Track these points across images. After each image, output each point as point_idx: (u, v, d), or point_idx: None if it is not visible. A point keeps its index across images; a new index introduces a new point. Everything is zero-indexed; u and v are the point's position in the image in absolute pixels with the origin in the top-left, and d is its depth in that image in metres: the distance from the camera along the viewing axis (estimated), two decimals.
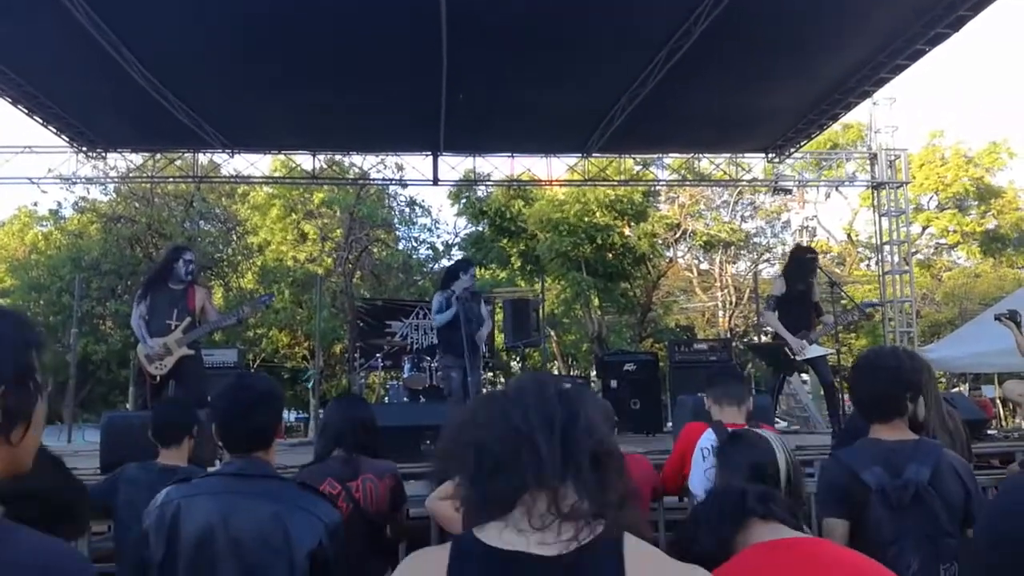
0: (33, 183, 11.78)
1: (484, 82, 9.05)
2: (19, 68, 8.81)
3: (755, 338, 18.99)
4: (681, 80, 8.75)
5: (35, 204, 25.53)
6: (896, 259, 12.31)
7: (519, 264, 22.82)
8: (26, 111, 9.85)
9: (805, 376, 13.82)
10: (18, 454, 1.06)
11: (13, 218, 26.86)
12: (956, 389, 18.76)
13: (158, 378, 6.55)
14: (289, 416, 33.37)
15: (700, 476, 3.35)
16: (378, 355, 11.93)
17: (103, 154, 11.93)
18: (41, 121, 10.26)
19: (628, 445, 6.77)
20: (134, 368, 12.73)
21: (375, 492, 3.09)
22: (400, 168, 15.58)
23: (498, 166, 13.46)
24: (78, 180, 12.87)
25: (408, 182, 15.17)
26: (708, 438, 3.45)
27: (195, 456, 3.45)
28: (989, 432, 7.26)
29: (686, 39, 7.92)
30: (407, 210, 24.93)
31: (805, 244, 20.01)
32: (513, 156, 12.68)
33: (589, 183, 14.42)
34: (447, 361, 7.40)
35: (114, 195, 22.14)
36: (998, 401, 18.26)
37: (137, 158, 12.78)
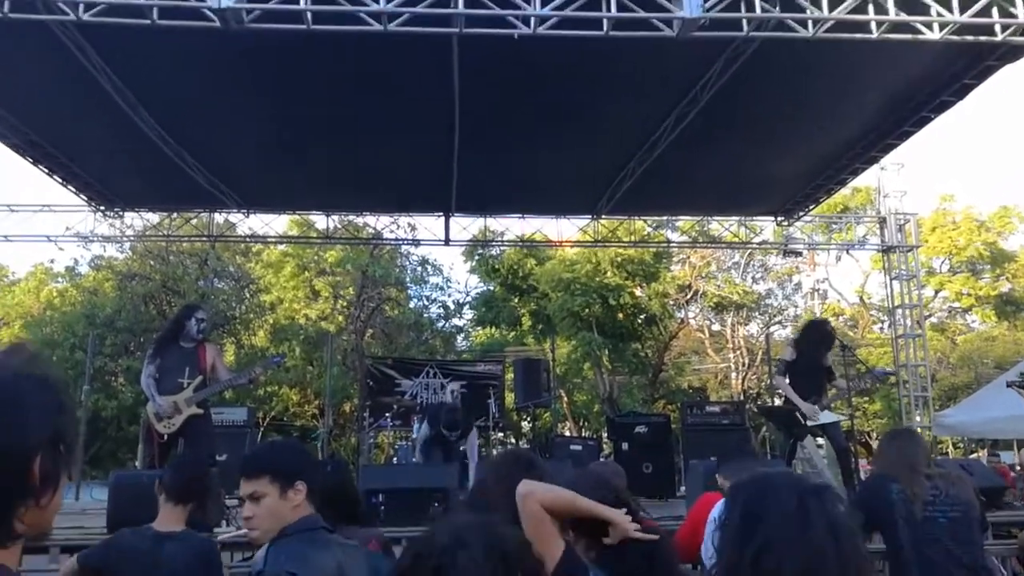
0: (51, 241, 11.95)
1: (496, 144, 9.19)
2: (40, 128, 9.01)
3: (768, 400, 18.80)
4: (689, 145, 8.86)
5: (52, 261, 25.83)
6: (909, 322, 12.24)
7: (529, 324, 22.82)
8: (46, 171, 10.05)
9: (821, 440, 13.63)
10: (45, 516, 1.06)
11: (29, 275, 27.17)
12: (974, 455, 18.43)
13: (166, 437, 6.55)
14: None
15: (711, 547, 3.30)
16: (387, 414, 11.88)
17: (120, 213, 12.12)
18: (61, 180, 10.46)
19: None
20: (143, 426, 12.72)
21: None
22: (412, 228, 15.74)
23: (509, 226, 13.60)
24: (95, 238, 13.06)
25: (420, 242, 15.31)
26: (721, 508, 3.41)
27: (203, 517, 3.43)
28: (1007, 500, 7.09)
29: (694, 105, 8.06)
30: (419, 269, 25.11)
31: (819, 313, 20.02)
32: (524, 217, 12.81)
33: (600, 244, 14.51)
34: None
35: (130, 253, 22.42)
36: (1017, 467, 17.88)
37: (154, 217, 12.98)
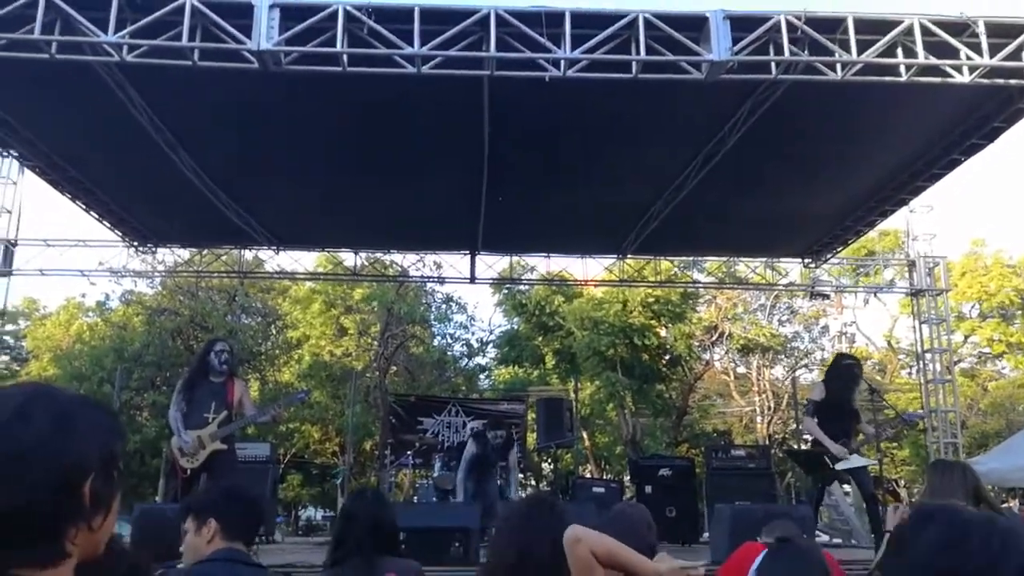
0: (84, 275, 12.15)
1: (523, 185, 9.28)
2: (79, 164, 9.22)
3: (794, 445, 18.52)
4: (716, 186, 8.89)
5: (83, 296, 26.24)
6: (938, 367, 12.05)
7: (553, 363, 22.74)
8: (83, 207, 10.27)
9: (847, 487, 13.37)
10: (96, 540, 1.08)
11: (60, 309, 27.59)
12: (1006, 505, 17.96)
13: (189, 472, 6.58)
14: (316, 514, 32.97)
15: None
16: (409, 452, 11.85)
17: (153, 249, 12.33)
18: (97, 217, 10.68)
19: None
20: (166, 460, 12.77)
21: None
22: (438, 266, 15.85)
23: (535, 265, 13.65)
24: (127, 273, 13.26)
25: (446, 280, 15.40)
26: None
27: None
28: None
29: (721, 146, 8.10)
30: (443, 307, 25.19)
31: (847, 352, 19.79)
32: (549, 256, 12.86)
33: (625, 284, 14.50)
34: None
35: (160, 288, 22.73)
36: None
37: (184, 253, 13.19)
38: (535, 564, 2.33)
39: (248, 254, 13.51)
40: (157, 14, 5.29)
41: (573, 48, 5.51)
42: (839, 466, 6.93)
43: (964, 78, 5.72)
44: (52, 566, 1.03)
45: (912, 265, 12.40)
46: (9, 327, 27.74)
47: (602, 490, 10.20)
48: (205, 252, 13.15)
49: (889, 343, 26.88)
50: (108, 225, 11.09)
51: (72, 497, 1.03)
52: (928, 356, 12.15)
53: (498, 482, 8.98)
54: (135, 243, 11.89)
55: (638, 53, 5.54)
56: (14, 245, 10.58)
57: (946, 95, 6.82)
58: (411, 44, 5.43)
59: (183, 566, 2.79)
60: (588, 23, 5.59)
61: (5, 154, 9.40)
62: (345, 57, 5.54)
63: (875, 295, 23.15)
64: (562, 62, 5.60)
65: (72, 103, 7.49)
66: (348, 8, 5.42)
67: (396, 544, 3.21)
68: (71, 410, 1.07)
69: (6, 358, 28.29)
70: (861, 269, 15.95)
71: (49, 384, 1.16)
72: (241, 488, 3.19)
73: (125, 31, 5.32)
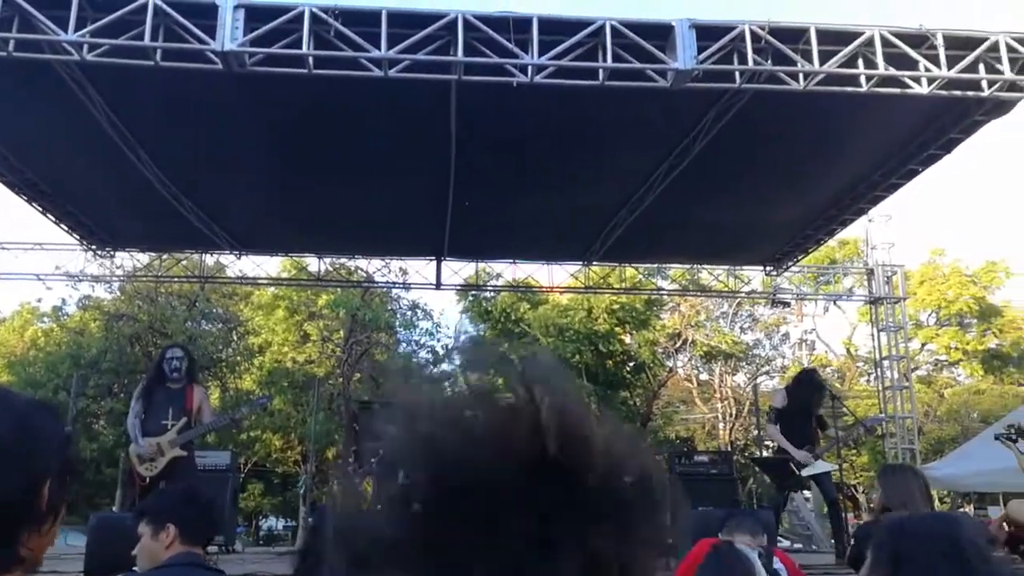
0: (40, 280, 11.88)
1: (489, 191, 9.27)
2: (36, 166, 9.01)
3: (756, 451, 18.73)
4: (680, 194, 8.96)
5: (39, 301, 25.64)
6: (896, 375, 12.27)
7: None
8: (40, 209, 10.02)
9: (808, 493, 13.55)
10: (43, 545, 1.07)
11: (15, 314, 26.94)
12: (961, 509, 18.33)
13: (148, 480, 6.44)
14: (277, 524, 32.53)
15: None
16: (373, 460, 11.74)
17: (112, 253, 12.08)
18: (54, 219, 10.43)
19: None
20: (123, 469, 12.51)
21: None
22: (404, 272, 15.76)
23: (501, 271, 13.64)
24: (85, 278, 13.00)
25: (412, 286, 15.31)
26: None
27: None
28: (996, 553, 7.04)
29: (686, 154, 8.17)
30: (409, 314, 25.06)
31: (808, 363, 20.10)
32: (515, 263, 12.86)
33: (591, 290, 14.56)
34: None
35: (118, 293, 22.30)
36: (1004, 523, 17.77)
37: (144, 257, 12.94)
38: None
39: (209, 259, 13.29)
40: (119, 13, 5.20)
41: (541, 54, 5.53)
42: (805, 472, 7.02)
43: (923, 89, 5.85)
44: (5, 571, 1.02)
45: (871, 273, 12.63)
46: None
47: None
48: (165, 256, 12.91)
49: (848, 350, 27.34)
50: (66, 228, 10.84)
51: (30, 502, 1.03)
52: (886, 363, 12.38)
53: None
54: (93, 247, 11.64)
55: (605, 60, 5.58)
56: None
57: (905, 106, 6.96)
58: (378, 47, 5.40)
59: (138, 570, 2.74)
60: (556, 29, 5.62)
61: None
62: (311, 59, 5.50)
63: (835, 303, 23.59)
64: (529, 68, 5.62)
65: (30, 103, 7.31)
66: (314, 10, 5.38)
67: None
68: (30, 414, 1.07)
69: None
70: (821, 277, 16.19)
71: (3, 387, 1.16)
72: (197, 491, 3.17)
73: (86, 30, 5.22)
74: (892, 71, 5.73)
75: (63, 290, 22.43)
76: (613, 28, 5.59)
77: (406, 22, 5.49)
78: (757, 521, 3.91)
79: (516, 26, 5.55)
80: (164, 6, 5.22)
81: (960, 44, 5.80)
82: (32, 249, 11.47)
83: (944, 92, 5.94)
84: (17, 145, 8.45)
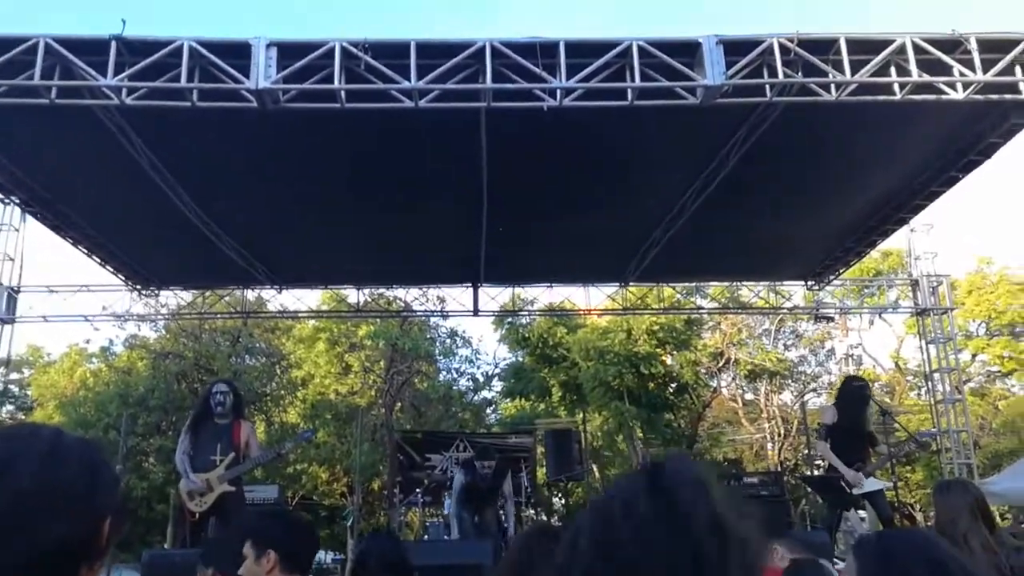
0: (87, 321, 12.15)
1: (522, 216, 9.30)
2: (80, 209, 9.27)
3: (807, 471, 18.32)
4: (716, 210, 8.89)
5: (87, 342, 26.21)
6: (947, 387, 11.95)
7: (560, 395, 22.62)
8: (86, 251, 10.30)
9: (863, 513, 13.20)
10: None
11: (64, 356, 27.56)
12: (1023, 524, 17.69)
13: (197, 515, 6.50)
14: (326, 557, 32.55)
15: None
16: (418, 490, 11.74)
17: (156, 292, 12.35)
18: (99, 261, 10.70)
19: None
20: (174, 506, 12.67)
21: None
22: (441, 300, 15.85)
23: (537, 296, 13.65)
24: (131, 318, 13.27)
25: (449, 313, 15.37)
26: None
27: None
28: None
29: (720, 171, 8.12)
30: (448, 341, 25.15)
31: (854, 374, 19.69)
32: (552, 286, 12.86)
33: (629, 312, 14.47)
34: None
35: (164, 332, 22.72)
36: None
37: (187, 295, 13.19)
38: None
39: (251, 294, 13.52)
40: (155, 56, 5.35)
41: (568, 77, 5.56)
42: (856, 491, 6.85)
43: (958, 95, 5.75)
44: None
45: (915, 284, 12.36)
46: (14, 375, 27.71)
47: None
48: (208, 294, 13.15)
49: (896, 364, 26.71)
50: (111, 269, 11.11)
51: (94, 538, 1.10)
52: (936, 376, 12.07)
53: (499, 512, 8.76)
54: (138, 286, 11.91)
55: (633, 80, 5.58)
56: (17, 292, 10.60)
57: (941, 112, 6.84)
58: (408, 78, 5.48)
59: None
60: (582, 52, 5.64)
61: (7, 201, 9.46)
62: (343, 93, 5.59)
63: (880, 316, 23.15)
64: (558, 91, 5.65)
65: (73, 148, 7.54)
66: (344, 44, 5.48)
67: None
68: (94, 456, 1.15)
69: (11, 407, 28.19)
70: (865, 290, 15.90)
71: (58, 428, 1.21)
72: (302, 520, 3.21)
73: (124, 74, 5.38)
74: (926, 77, 5.65)
75: (110, 330, 23.00)
76: (640, 48, 5.60)
77: (434, 52, 5.56)
78: (809, 547, 3.79)
79: (543, 51, 5.59)
80: (199, 47, 5.36)
81: (994, 47, 5.70)
82: (79, 291, 11.75)
83: (980, 96, 5.83)
84: (62, 188, 8.71)
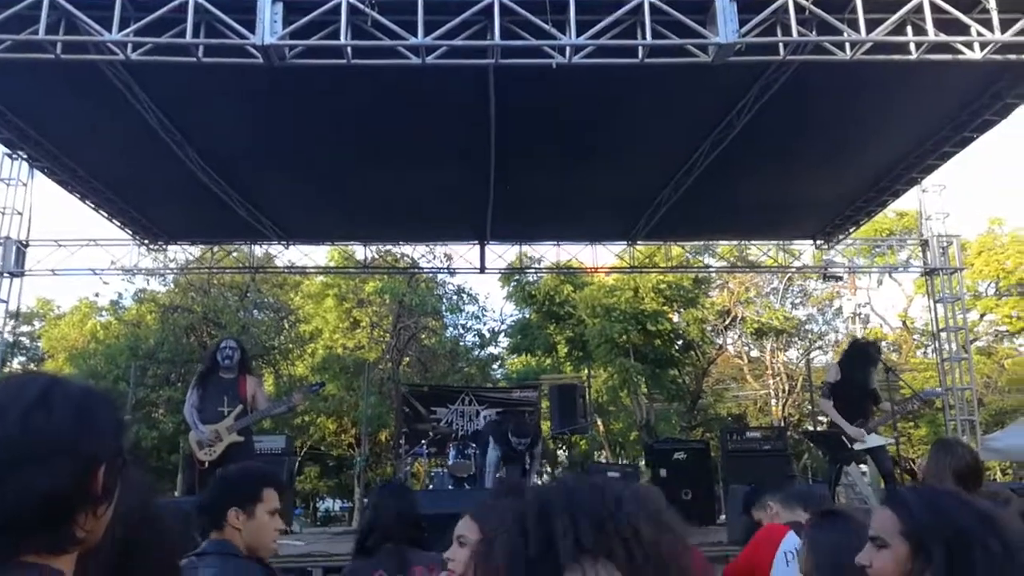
0: (96, 275, 12.21)
1: (530, 173, 9.25)
2: (87, 165, 9.28)
3: (810, 427, 18.46)
4: (726, 169, 8.83)
5: (96, 295, 26.39)
6: (954, 346, 11.96)
7: (566, 351, 22.74)
8: (93, 206, 10.33)
9: (864, 467, 13.34)
10: (98, 528, 1.12)
11: (74, 309, 27.78)
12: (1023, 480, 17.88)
13: (207, 464, 6.63)
14: (334, 505, 33.17)
15: None
16: (423, 441, 11.87)
17: (164, 247, 12.38)
18: (107, 215, 10.73)
19: None
20: (184, 454, 12.88)
21: None
22: (448, 257, 15.85)
23: (544, 254, 13.63)
24: (139, 272, 13.32)
25: (456, 271, 15.39)
26: (792, 541, 3.19)
27: None
28: None
29: (730, 129, 8.04)
30: (454, 298, 25.22)
31: (861, 335, 19.74)
32: (559, 244, 12.83)
33: (636, 270, 14.46)
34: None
35: (172, 286, 22.83)
36: None
37: (196, 250, 13.23)
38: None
39: (259, 250, 13.54)
40: (160, 11, 5.27)
41: (578, 34, 5.46)
42: (857, 446, 6.91)
43: (975, 55, 5.64)
44: (62, 552, 1.07)
45: (925, 244, 12.30)
46: (24, 328, 27.97)
47: (618, 475, 10.17)
48: (216, 249, 13.18)
49: (904, 323, 26.71)
50: (118, 224, 11.14)
51: (86, 484, 1.08)
52: (943, 335, 12.07)
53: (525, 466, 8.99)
54: (146, 241, 11.94)
55: (644, 38, 5.47)
56: (26, 246, 10.64)
57: (957, 72, 6.74)
58: (415, 34, 5.39)
59: None
60: (593, 9, 5.53)
61: (14, 156, 9.45)
62: (349, 49, 5.51)
63: (889, 275, 23.09)
64: (567, 49, 5.55)
65: (79, 103, 7.51)
66: (351, 0, 5.39)
67: (421, 536, 3.26)
68: (87, 401, 1.12)
69: (23, 359, 28.50)
70: (875, 250, 15.81)
71: (60, 375, 1.20)
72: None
73: (129, 29, 5.31)
74: (943, 37, 5.53)
75: (119, 284, 23.11)
76: (651, 4, 5.47)
77: (442, 8, 5.46)
78: (792, 496, 3.81)
79: (552, 7, 5.49)
80: (204, 3, 5.28)
81: (1014, 6, 5.57)
82: (87, 245, 11.78)
83: (998, 56, 5.72)
84: (69, 143, 8.70)
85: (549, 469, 22.35)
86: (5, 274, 10.25)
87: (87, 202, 10.18)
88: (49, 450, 1.04)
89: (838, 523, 2.27)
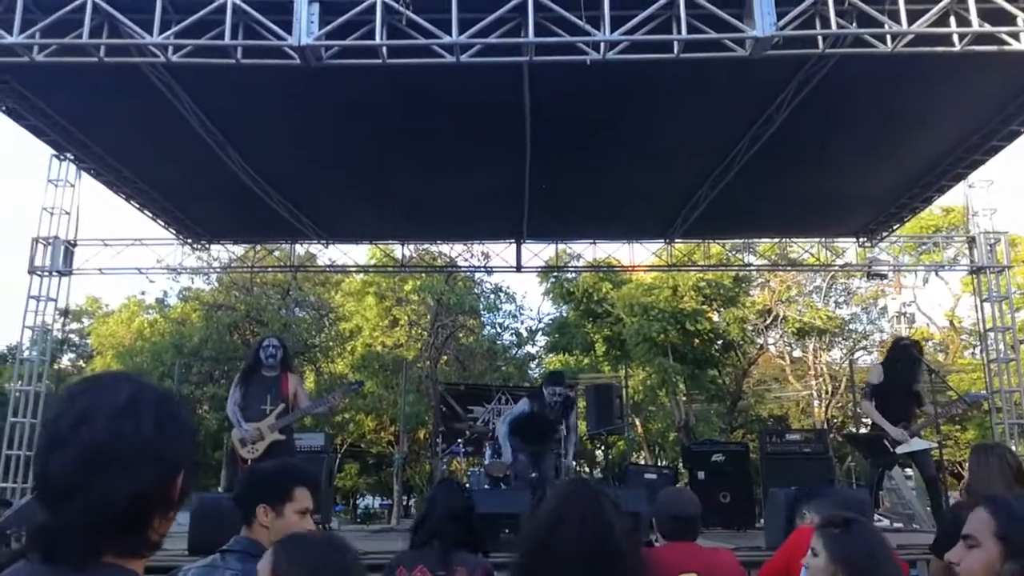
0: (142, 273, 12.47)
1: (566, 171, 9.23)
2: (132, 165, 9.50)
3: (853, 429, 18.15)
4: (766, 166, 8.72)
5: (143, 293, 27.00)
6: (1002, 347, 11.65)
7: (603, 350, 22.64)
8: (138, 206, 10.57)
9: (909, 471, 13.07)
10: (166, 530, 1.15)
11: (122, 307, 28.45)
12: None
13: (249, 461, 6.73)
14: (373, 502, 33.48)
15: None
16: (460, 440, 11.93)
17: (207, 246, 12.60)
18: (151, 215, 10.96)
19: (716, 540, 6.50)
20: (227, 451, 13.13)
21: None
22: (486, 256, 15.90)
23: (581, 252, 13.58)
24: (183, 271, 13.57)
25: (493, 269, 15.42)
26: None
27: None
28: None
29: (769, 125, 7.93)
30: (492, 297, 25.29)
31: (906, 335, 19.37)
32: (595, 243, 12.78)
33: (673, 268, 14.35)
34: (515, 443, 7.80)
35: (216, 284, 23.25)
36: None
37: (238, 249, 13.45)
38: (569, 551, 2.31)
39: (300, 249, 13.72)
40: (200, 14, 5.37)
41: (613, 30, 5.43)
42: (899, 449, 6.77)
43: (1022, 45, 5.49)
44: (138, 555, 1.11)
45: (972, 242, 11.99)
46: (74, 325, 28.71)
47: (655, 476, 10.11)
48: (258, 248, 13.38)
49: (951, 323, 26.11)
50: (162, 223, 11.37)
51: (168, 488, 1.12)
52: (991, 335, 11.77)
53: (559, 452, 7.92)
54: (189, 240, 12.16)
55: (679, 32, 5.43)
56: (74, 245, 10.90)
57: (1003, 64, 6.55)
58: (449, 33, 5.42)
59: None
60: (627, 4, 5.48)
61: (62, 157, 9.70)
62: (384, 49, 5.56)
63: (935, 273, 22.57)
64: (602, 44, 5.53)
65: (123, 105, 7.69)
66: (386, 0, 5.43)
67: (472, 538, 3.30)
68: (169, 408, 1.16)
69: (72, 355, 29.26)
70: (921, 247, 15.47)
71: (143, 378, 1.23)
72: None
73: (170, 32, 5.42)
74: (987, 27, 5.39)
75: (164, 283, 23.60)
76: None
77: (476, 6, 5.47)
78: (847, 504, 3.75)
79: (587, 3, 5.46)
80: (242, 4, 5.36)
81: None
82: (133, 245, 12.03)
83: None
84: (114, 145, 8.92)
85: (587, 469, 22.30)
86: (54, 273, 10.51)
87: (132, 202, 10.41)
88: (136, 456, 1.07)
89: (861, 531, 2.25)
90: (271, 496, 2.61)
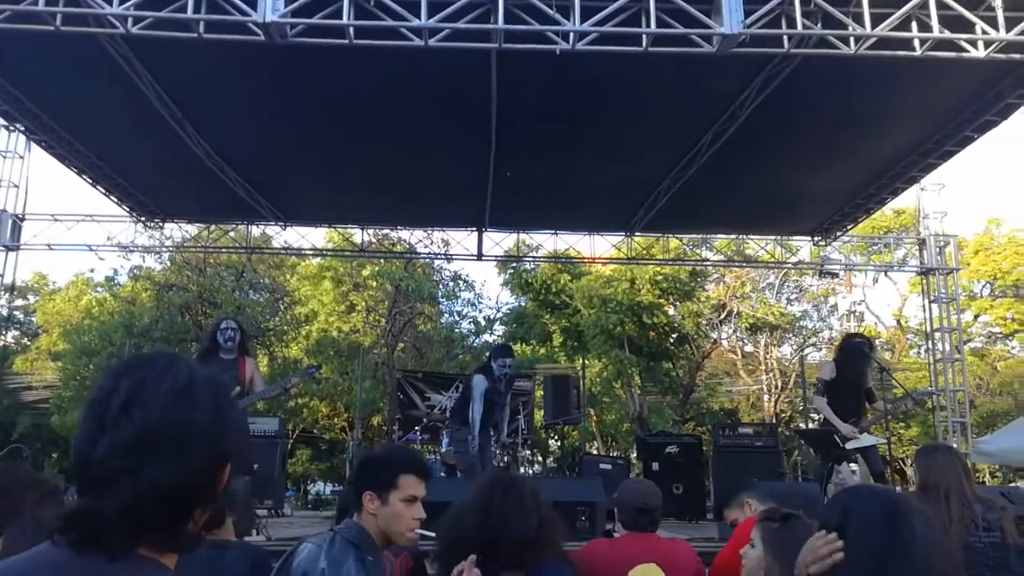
0: (92, 250, 12.16)
1: (530, 161, 9.22)
2: (85, 139, 9.23)
3: (802, 424, 18.51)
4: (726, 162, 8.82)
5: (92, 271, 26.33)
6: (947, 347, 11.98)
7: (561, 340, 22.74)
8: (90, 181, 10.28)
9: (854, 465, 13.38)
10: (200, 525, 1.10)
11: (70, 284, 27.72)
12: (1012, 484, 17.96)
13: None
14: (325, 489, 33.25)
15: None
16: (416, 428, 11.90)
17: (161, 224, 12.33)
18: (104, 191, 10.67)
19: (669, 531, 6.58)
20: None
21: (389, 572, 3.03)
22: (446, 243, 15.83)
23: (542, 242, 13.61)
24: (135, 249, 13.27)
25: (453, 257, 15.37)
26: None
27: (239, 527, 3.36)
28: None
29: (732, 122, 8.02)
30: (451, 284, 25.20)
31: (856, 331, 19.80)
32: (557, 234, 12.81)
33: (633, 261, 14.46)
34: (463, 435, 7.69)
35: (168, 264, 22.77)
36: None
37: (192, 228, 13.20)
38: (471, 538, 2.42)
39: (256, 230, 13.51)
40: None
41: (583, 20, 5.42)
42: (849, 445, 6.91)
43: (979, 53, 5.62)
44: (175, 550, 1.05)
45: (923, 244, 12.30)
46: (19, 302, 27.90)
47: (609, 467, 10.20)
48: (213, 228, 13.14)
49: (898, 322, 26.78)
50: (115, 200, 11.09)
51: (215, 481, 1.06)
52: (937, 335, 12.09)
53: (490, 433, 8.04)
54: (143, 218, 11.89)
55: (648, 26, 5.44)
56: (22, 220, 10.60)
57: (960, 70, 6.71)
58: (418, 16, 5.36)
59: None
60: None
61: (12, 128, 9.40)
62: (351, 30, 5.47)
63: (885, 274, 23.09)
64: (571, 35, 5.52)
65: (78, 77, 7.46)
66: None
67: None
68: (222, 395, 1.10)
69: (16, 332, 28.45)
70: (872, 247, 15.81)
71: (192, 360, 1.15)
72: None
73: (130, 2, 5.27)
74: (947, 34, 5.51)
75: (115, 261, 23.02)
76: None
77: None
78: (768, 492, 3.80)
79: None
80: None
81: (1020, 5, 5.55)
82: (84, 221, 11.72)
83: (1002, 56, 5.70)
84: (67, 117, 8.64)
85: (541, 458, 22.41)
86: (1, 247, 10.21)
87: (84, 177, 10.12)
88: (190, 443, 1.02)
89: (799, 527, 2.30)
90: (376, 484, 2.59)
